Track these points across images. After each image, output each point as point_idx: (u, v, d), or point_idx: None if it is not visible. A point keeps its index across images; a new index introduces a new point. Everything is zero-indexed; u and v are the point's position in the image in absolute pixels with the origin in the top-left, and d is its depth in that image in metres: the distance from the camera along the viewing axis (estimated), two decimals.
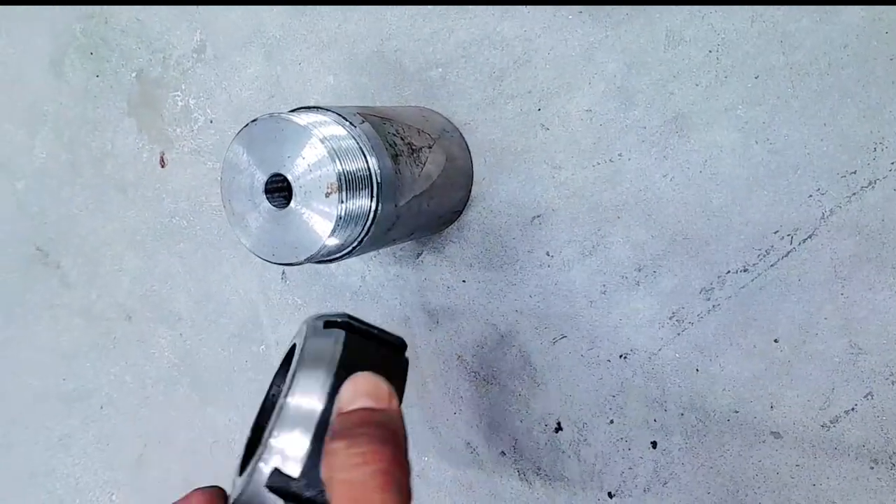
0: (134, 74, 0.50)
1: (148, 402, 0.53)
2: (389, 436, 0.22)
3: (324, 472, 0.22)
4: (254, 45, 0.45)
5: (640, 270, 0.36)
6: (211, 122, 0.47)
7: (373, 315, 0.43)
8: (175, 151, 0.49)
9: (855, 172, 0.31)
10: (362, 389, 0.24)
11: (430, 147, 0.37)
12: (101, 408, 0.55)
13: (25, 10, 0.53)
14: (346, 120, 0.33)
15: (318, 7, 0.42)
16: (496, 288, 0.40)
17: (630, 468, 0.37)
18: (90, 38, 0.51)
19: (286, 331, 0.47)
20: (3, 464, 0.60)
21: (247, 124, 0.32)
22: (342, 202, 0.31)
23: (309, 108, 0.34)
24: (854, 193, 0.31)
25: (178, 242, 0.50)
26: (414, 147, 0.36)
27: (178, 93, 0.48)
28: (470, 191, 0.39)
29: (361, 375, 0.24)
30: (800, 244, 0.32)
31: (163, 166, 0.49)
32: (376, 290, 0.43)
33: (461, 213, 0.40)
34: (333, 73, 0.42)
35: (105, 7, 0.50)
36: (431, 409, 0.42)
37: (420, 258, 0.42)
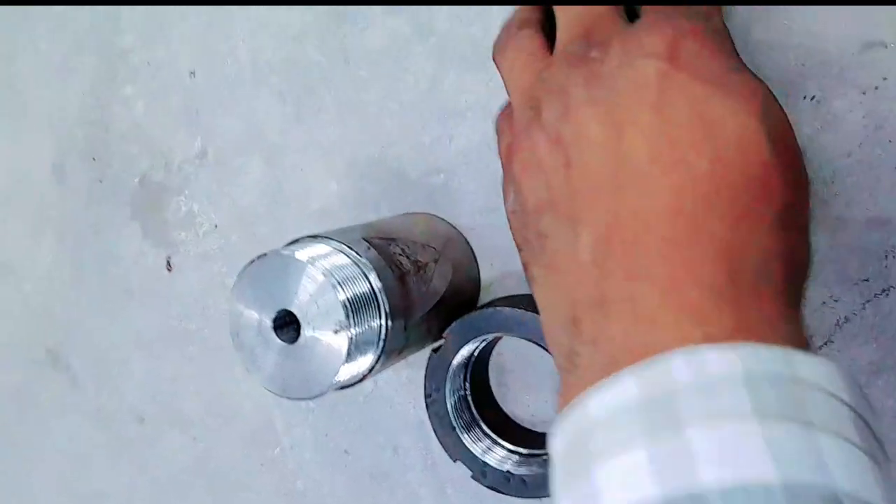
0: (137, 179, 0.50)
1: None
2: None
3: None
4: (254, 150, 0.45)
5: None
6: (216, 226, 0.47)
7: (386, 419, 0.43)
8: (180, 255, 0.49)
9: (868, 280, 0.31)
10: None
11: (435, 261, 0.37)
12: None
13: (27, 119, 0.54)
14: (351, 248, 0.33)
15: (316, 115, 0.42)
16: (510, 392, 0.39)
17: None
18: (91, 144, 0.51)
19: (300, 433, 0.46)
20: None
21: (251, 261, 0.32)
22: (351, 337, 0.31)
23: (313, 237, 0.34)
24: (868, 301, 0.31)
25: (187, 345, 0.50)
26: (420, 264, 0.36)
27: (182, 197, 0.48)
28: (477, 297, 0.39)
29: None
30: (816, 352, 0.32)
31: (169, 270, 0.49)
32: (389, 394, 0.43)
33: None
34: (336, 179, 0.42)
35: (105, 113, 0.51)
36: None
37: None
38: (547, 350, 0.33)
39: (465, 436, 0.36)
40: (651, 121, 0.22)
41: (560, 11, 0.28)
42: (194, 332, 0.49)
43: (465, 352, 0.36)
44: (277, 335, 0.32)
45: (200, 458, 0.50)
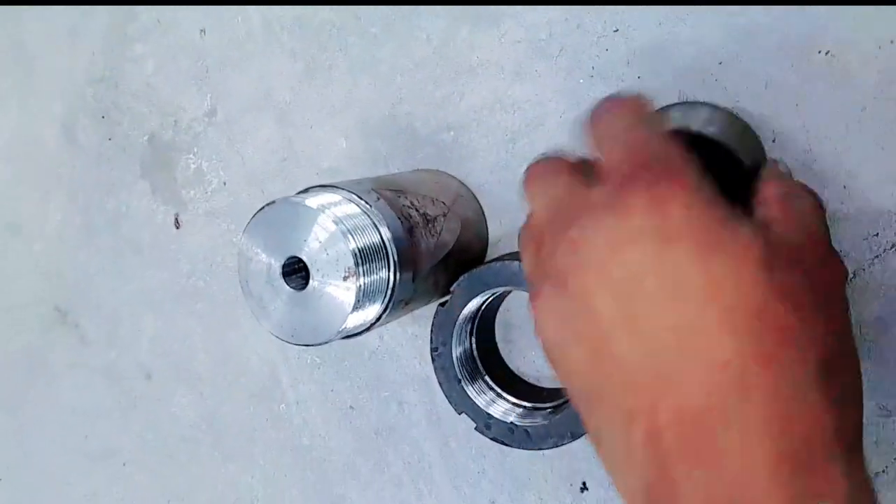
0: (146, 137, 0.50)
1: (170, 461, 0.53)
2: None
3: None
4: (264, 108, 0.45)
5: None
6: (224, 184, 0.47)
7: (391, 375, 0.43)
8: (189, 213, 0.49)
9: (877, 235, 0.31)
10: None
11: (444, 215, 0.37)
12: (124, 465, 0.56)
13: (37, 78, 0.54)
14: (361, 198, 0.33)
15: (328, 73, 0.42)
16: (516, 348, 0.40)
17: None
18: (101, 103, 0.51)
19: (306, 390, 0.47)
20: None
21: (261, 208, 0.32)
22: (360, 285, 0.31)
23: (323, 186, 0.34)
24: (877, 256, 0.31)
25: (195, 303, 0.50)
26: (429, 217, 0.36)
27: (191, 155, 0.48)
28: (485, 253, 0.39)
29: None
30: None
31: (177, 228, 0.50)
32: (395, 349, 0.43)
33: None
34: (346, 136, 0.42)
35: (115, 71, 0.51)
36: (455, 467, 0.42)
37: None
38: None
39: (470, 388, 0.36)
40: (666, 308, 0.21)
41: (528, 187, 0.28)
42: (202, 289, 0.49)
43: (472, 306, 0.36)
44: (286, 282, 0.32)
45: (208, 414, 0.51)
